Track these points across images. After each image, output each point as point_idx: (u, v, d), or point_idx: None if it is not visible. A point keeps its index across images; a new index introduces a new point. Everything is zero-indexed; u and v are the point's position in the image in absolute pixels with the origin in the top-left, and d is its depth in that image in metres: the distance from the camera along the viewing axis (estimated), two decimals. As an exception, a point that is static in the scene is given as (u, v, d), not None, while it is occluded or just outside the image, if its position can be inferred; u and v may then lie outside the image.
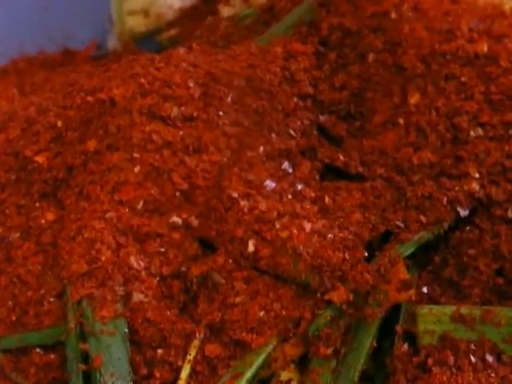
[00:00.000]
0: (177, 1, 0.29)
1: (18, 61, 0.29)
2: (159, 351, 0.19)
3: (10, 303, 0.21)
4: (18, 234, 0.21)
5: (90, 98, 0.21)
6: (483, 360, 0.18)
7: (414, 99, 0.21)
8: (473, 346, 0.18)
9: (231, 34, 0.24)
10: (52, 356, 0.21)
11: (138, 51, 0.30)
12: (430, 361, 0.18)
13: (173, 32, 0.28)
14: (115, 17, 0.30)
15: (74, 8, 0.30)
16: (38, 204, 0.21)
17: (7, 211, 0.22)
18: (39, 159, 0.21)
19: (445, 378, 0.18)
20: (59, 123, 0.22)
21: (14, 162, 0.22)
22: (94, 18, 0.30)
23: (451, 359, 0.18)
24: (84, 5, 0.30)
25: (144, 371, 0.19)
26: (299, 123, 0.22)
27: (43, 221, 0.21)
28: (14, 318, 0.21)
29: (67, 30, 0.30)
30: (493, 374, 0.18)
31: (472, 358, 0.18)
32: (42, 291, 0.21)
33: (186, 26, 0.29)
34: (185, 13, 0.29)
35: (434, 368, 0.18)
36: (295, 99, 0.22)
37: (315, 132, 0.22)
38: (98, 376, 0.19)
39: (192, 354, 0.19)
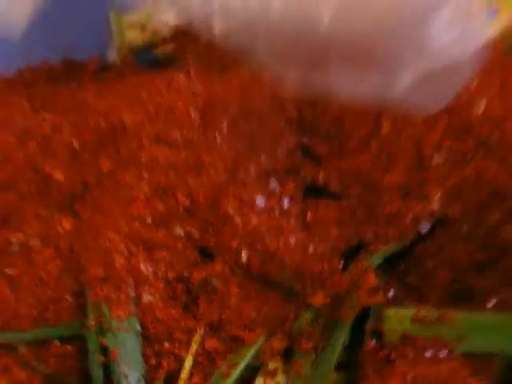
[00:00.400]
0: (172, 18, 0.31)
1: (24, 71, 0.31)
2: (166, 345, 0.23)
3: (32, 301, 0.24)
4: (37, 241, 0.24)
5: (102, 122, 0.24)
6: (437, 355, 0.22)
7: (385, 128, 0.24)
8: (429, 343, 0.22)
9: (225, 54, 0.27)
10: (69, 347, 0.24)
11: (136, 64, 0.32)
12: (393, 355, 0.22)
13: (168, 47, 0.31)
14: (114, 31, 0.32)
15: (76, 21, 0.32)
16: (56, 214, 0.24)
17: (27, 219, 0.25)
18: (57, 175, 0.24)
19: (405, 369, 0.22)
20: (75, 143, 0.24)
21: (33, 176, 0.25)
22: (95, 31, 0.32)
23: (411, 354, 0.22)
24: (86, 18, 0.32)
25: (153, 362, 0.22)
26: (285, 145, 0.25)
27: (61, 229, 0.24)
28: (35, 314, 0.24)
29: (69, 41, 0.32)
30: (444, 367, 0.22)
31: (427, 353, 0.22)
32: (61, 291, 0.24)
33: (181, 42, 0.31)
34: (180, 30, 0.31)
35: (396, 361, 0.22)
36: (282, 122, 0.25)
37: (299, 153, 0.25)
38: (115, 366, 0.22)
39: (194, 347, 0.23)
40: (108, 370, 0.22)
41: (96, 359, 0.22)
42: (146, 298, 0.22)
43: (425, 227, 0.23)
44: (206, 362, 0.22)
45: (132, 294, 0.22)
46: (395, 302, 0.23)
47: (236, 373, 0.22)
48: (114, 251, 0.22)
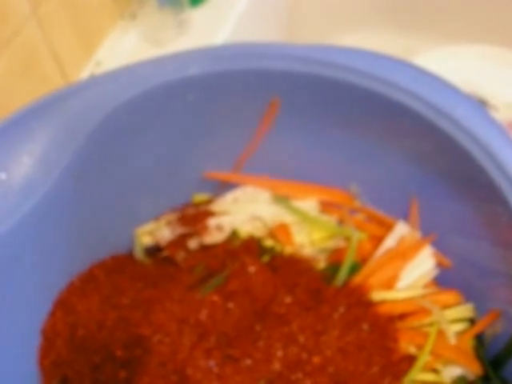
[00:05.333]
0: (168, 234, 0.54)
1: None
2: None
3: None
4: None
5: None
6: None
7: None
8: None
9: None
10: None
11: (148, 257, 0.55)
12: None
13: (165, 253, 0.53)
14: (136, 240, 0.55)
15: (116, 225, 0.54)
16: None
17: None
18: (117, 352, 0.48)
19: None
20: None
21: (102, 349, 0.49)
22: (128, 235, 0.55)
23: None
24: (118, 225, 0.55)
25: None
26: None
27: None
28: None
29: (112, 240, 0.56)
30: None
31: None
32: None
33: (173, 250, 0.54)
34: (173, 241, 0.54)
35: None
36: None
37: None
38: None
39: None
40: None
41: None
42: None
43: None
44: None
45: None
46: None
47: None
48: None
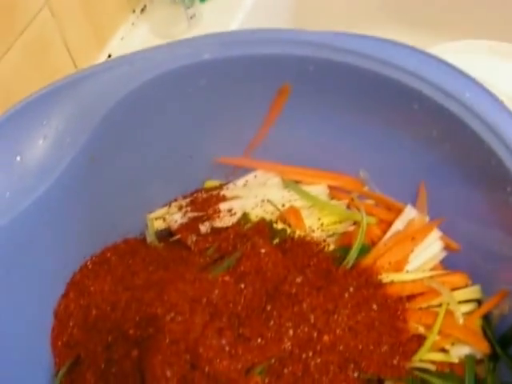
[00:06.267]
0: (179, 218, 0.55)
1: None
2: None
3: None
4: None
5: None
6: None
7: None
8: None
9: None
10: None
11: (160, 241, 0.56)
12: None
13: (177, 237, 0.52)
14: (149, 224, 0.56)
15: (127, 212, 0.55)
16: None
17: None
18: (130, 331, 0.47)
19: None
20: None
21: (114, 329, 0.49)
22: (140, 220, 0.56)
23: None
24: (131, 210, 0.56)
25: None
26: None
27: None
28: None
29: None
30: None
31: None
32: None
33: (184, 234, 0.55)
34: (184, 225, 0.55)
35: None
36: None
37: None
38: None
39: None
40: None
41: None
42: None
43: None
44: None
45: None
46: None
47: None
48: None
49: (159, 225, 0.54)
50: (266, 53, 0.49)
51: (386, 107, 0.49)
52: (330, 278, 0.48)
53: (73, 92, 0.48)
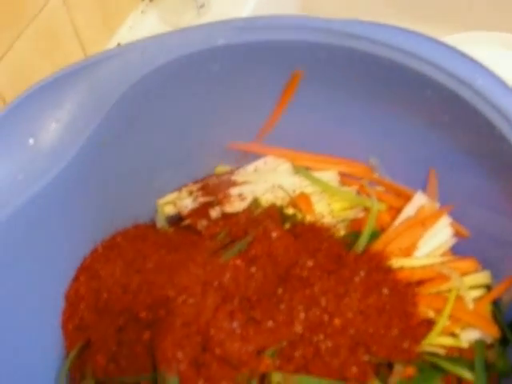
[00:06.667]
0: (190, 203, 0.55)
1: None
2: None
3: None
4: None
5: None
6: None
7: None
8: None
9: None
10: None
11: (170, 226, 0.56)
12: None
13: (187, 222, 0.53)
14: (159, 210, 0.56)
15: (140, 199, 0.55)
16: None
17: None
18: (142, 314, 0.45)
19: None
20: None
21: (126, 311, 0.49)
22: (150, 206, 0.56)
23: None
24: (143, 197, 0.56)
25: None
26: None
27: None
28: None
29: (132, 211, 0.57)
30: None
31: None
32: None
33: (195, 219, 0.55)
34: (195, 210, 0.55)
35: None
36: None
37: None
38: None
39: None
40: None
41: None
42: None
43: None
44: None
45: None
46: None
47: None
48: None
49: (169, 210, 0.54)
50: (279, 39, 0.49)
51: (398, 94, 0.49)
52: (341, 262, 0.48)
53: (86, 76, 0.48)
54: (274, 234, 0.48)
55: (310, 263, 0.47)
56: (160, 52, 0.49)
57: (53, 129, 0.47)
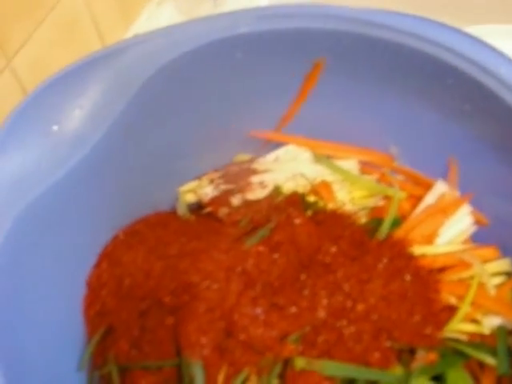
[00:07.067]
0: (210, 191, 0.55)
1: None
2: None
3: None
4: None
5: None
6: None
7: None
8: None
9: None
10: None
11: (190, 214, 0.56)
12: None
13: (208, 209, 0.53)
14: (180, 198, 0.57)
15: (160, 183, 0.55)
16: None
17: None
18: (165, 299, 0.45)
19: None
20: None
21: (149, 297, 0.50)
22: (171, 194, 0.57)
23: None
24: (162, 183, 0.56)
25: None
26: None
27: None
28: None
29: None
30: None
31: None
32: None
33: (216, 206, 0.55)
34: (215, 197, 0.55)
35: None
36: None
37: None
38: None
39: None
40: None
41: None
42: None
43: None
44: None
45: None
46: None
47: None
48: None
49: (190, 198, 0.55)
50: (302, 27, 0.49)
51: (419, 83, 0.49)
52: (364, 248, 0.48)
53: (109, 63, 0.48)
54: (297, 221, 0.48)
55: (332, 249, 0.47)
56: (184, 39, 0.49)
57: (76, 116, 0.48)
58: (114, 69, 0.48)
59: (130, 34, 0.70)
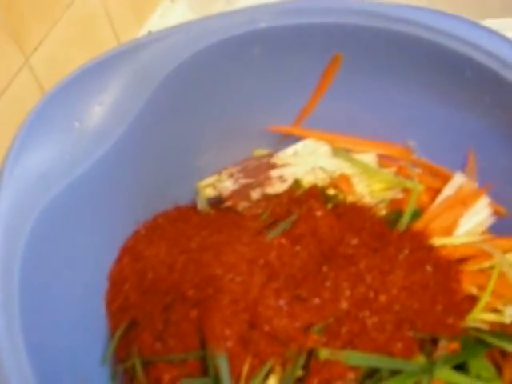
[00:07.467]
0: (230, 185, 0.56)
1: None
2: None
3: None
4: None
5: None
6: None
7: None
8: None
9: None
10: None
11: (210, 208, 0.57)
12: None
13: (228, 204, 0.53)
14: (199, 192, 0.57)
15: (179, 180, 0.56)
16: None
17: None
18: (189, 292, 0.46)
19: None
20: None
21: (172, 290, 0.50)
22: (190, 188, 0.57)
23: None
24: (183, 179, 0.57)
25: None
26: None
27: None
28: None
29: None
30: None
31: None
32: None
33: (235, 200, 0.56)
34: (235, 192, 0.56)
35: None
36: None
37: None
38: None
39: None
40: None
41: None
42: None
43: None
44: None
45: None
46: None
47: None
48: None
49: (209, 192, 0.55)
50: (321, 22, 0.50)
51: (437, 76, 0.50)
52: (385, 240, 0.49)
53: (129, 59, 0.49)
54: (319, 213, 0.49)
55: (354, 241, 0.48)
56: (203, 34, 0.50)
57: (97, 112, 0.48)
58: (134, 66, 0.49)
59: (143, 31, 0.70)
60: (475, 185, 0.52)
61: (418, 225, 0.50)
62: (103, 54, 0.49)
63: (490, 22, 0.68)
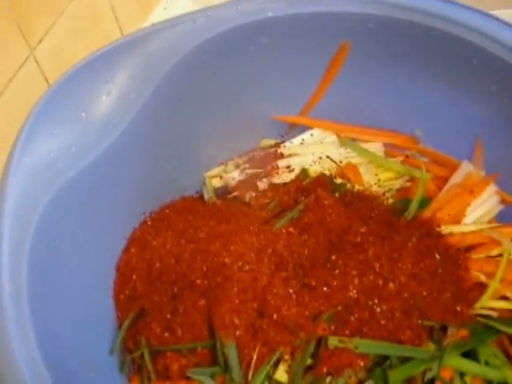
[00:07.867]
0: (237, 176, 0.56)
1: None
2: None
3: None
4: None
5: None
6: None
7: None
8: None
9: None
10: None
11: (217, 198, 0.56)
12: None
13: (235, 194, 0.53)
14: (207, 182, 0.57)
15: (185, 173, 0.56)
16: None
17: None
18: (197, 281, 0.45)
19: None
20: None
21: (180, 280, 0.50)
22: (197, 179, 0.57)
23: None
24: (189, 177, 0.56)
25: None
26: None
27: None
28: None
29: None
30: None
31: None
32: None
33: (242, 190, 0.56)
34: (242, 182, 0.56)
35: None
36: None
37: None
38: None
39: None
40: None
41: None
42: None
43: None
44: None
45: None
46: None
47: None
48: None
49: (216, 183, 0.55)
50: (328, 10, 0.50)
51: (444, 65, 0.50)
52: (393, 228, 0.49)
53: (136, 49, 0.48)
54: (326, 202, 0.49)
55: (362, 229, 0.48)
56: (210, 24, 0.49)
57: (104, 102, 0.48)
58: (140, 55, 0.49)
59: (147, 24, 0.70)
60: (482, 173, 0.52)
61: (426, 213, 0.50)
62: (109, 44, 0.49)
63: (498, 12, 0.69)
